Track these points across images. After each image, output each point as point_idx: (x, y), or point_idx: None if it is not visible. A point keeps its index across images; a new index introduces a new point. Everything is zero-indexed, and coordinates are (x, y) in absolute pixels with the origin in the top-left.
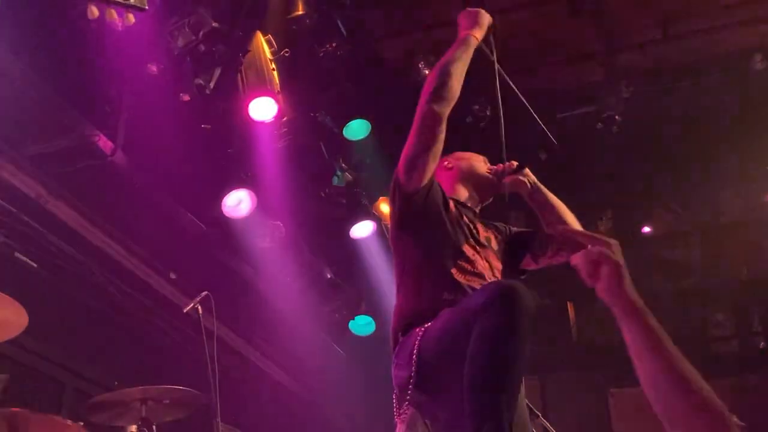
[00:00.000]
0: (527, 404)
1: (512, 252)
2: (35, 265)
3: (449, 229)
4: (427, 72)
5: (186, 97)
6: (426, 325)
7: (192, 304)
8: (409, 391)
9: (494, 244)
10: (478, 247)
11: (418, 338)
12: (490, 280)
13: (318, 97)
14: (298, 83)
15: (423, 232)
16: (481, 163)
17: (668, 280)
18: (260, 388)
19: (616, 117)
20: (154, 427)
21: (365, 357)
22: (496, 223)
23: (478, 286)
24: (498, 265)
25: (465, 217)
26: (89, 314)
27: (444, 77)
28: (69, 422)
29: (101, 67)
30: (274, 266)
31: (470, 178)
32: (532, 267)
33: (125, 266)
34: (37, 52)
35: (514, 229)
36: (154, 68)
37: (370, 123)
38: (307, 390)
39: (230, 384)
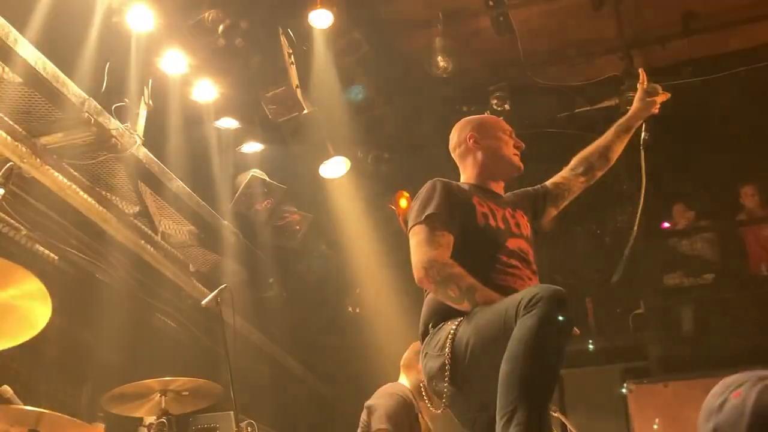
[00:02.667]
0: None
1: (536, 214)
2: (56, 257)
3: (480, 229)
4: (443, 65)
5: None
6: (460, 319)
7: (211, 296)
8: (443, 382)
9: (526, 230)
10: (511, 239)
11: (452, 330)
12: (524, 277)
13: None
14: (316, 77)
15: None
16: (507, 141)
17: (688, 276)
18: (278, 381)
19: None
20: (173, 418)
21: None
22: (520, 199)
23: (513, 284)
24: (531, 256)
25: (495, 207)
26: (109, 306)
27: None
28: (87, 425)
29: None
30: (294, 260)
31: (495, 161)
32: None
33: (145, 259)
34: None
35: (531, 190)
36: None
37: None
38: (327, 384)
39: (248, 376)
